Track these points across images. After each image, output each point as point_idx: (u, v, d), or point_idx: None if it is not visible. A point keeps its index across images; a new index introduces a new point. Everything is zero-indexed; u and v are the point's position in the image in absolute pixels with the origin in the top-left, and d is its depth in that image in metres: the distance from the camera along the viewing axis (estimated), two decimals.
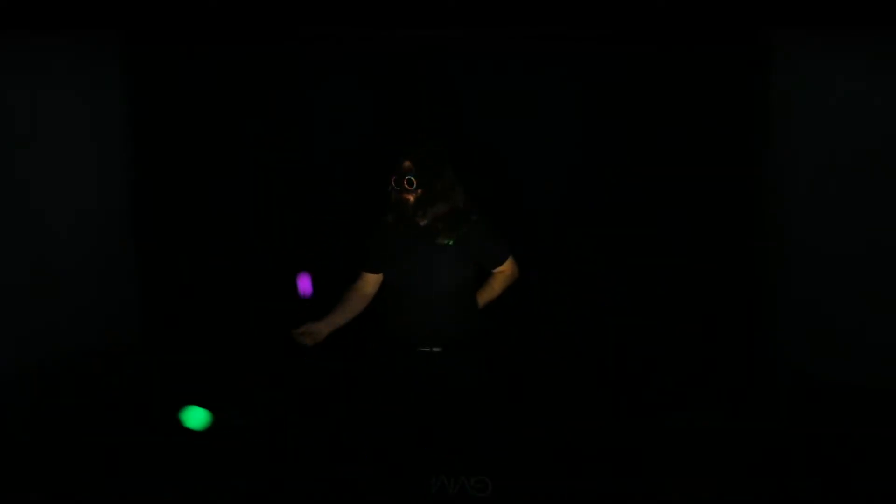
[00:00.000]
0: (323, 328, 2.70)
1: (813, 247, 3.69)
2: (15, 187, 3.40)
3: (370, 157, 3.89)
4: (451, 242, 2.67)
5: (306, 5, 3.51)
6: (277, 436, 3.26)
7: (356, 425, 3.10)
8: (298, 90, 3.88)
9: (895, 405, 3.43)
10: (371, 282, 2.81)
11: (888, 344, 3.54)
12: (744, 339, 3.88)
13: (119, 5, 3.44)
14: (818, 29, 3.56)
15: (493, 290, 2.86)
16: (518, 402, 3.44)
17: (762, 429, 3.29)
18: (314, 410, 3.50)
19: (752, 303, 3.88)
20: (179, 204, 3.94)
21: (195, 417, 2.53)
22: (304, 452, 3.14)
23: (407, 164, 2.68)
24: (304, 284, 2.74)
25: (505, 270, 2.86)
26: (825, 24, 3.49)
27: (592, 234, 3.92)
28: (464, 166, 2.81)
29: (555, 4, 3.46)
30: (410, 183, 2.64)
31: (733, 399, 3.58)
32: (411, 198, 2.65)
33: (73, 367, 3.62)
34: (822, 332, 3.70)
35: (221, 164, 3.92)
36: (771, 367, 3.81)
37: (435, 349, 2.66)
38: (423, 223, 2.67)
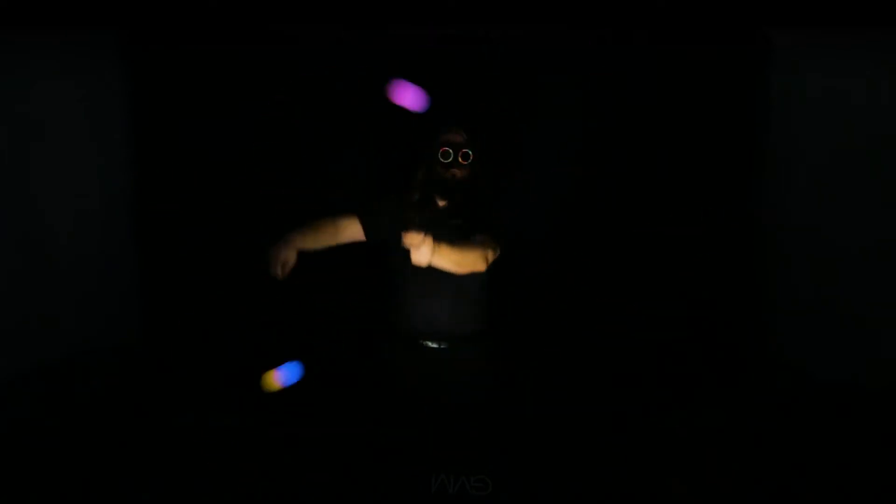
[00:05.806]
0: (290, 252, 2.32)
1: (813, 246, 3.69)
2: (15, 187, 3.39)
3: (370, 156, 3.90)
4: (459, 223, 2.39)
5: (306, 5, 3.51)
6: (277, 435, 3.27)
7: (356, 424, 3.10)
8: (298, 90, 3.88)
9: (895, 405, 3.43)
10: (353, 229, 2.43)
11: (888, 344, 3.54)
12: (743, 338, 3.88)
13: (119, 4, 3.43)
14: (818, 29, 3.56)
15: None
16: (518, 401, 3.44)
17: (761, 429, 3.29)
18: (314, 410, 3.50)
19: (751, 302, 3.88)
20: (180, 203, 3.94)
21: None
22: (304, 452, 3.14)
23: (458, 137, 2.27)
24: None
25: None
26: (825, 24, 3.49)
27: (591, 234, 3.92)
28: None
29: (555, 4, 3.45)
30: (466, 157, 2.31)
31: (732, 399, 3.59)
32: (458, 173, 2.28)
33: (73, 367, 3.62)
34: (822, 332, 3.70)
35: (222, 164, 3.92)
36: (770, 367, 3.81)
37: (442, 345, 2.53)
38: (451, 204, 2.29)
